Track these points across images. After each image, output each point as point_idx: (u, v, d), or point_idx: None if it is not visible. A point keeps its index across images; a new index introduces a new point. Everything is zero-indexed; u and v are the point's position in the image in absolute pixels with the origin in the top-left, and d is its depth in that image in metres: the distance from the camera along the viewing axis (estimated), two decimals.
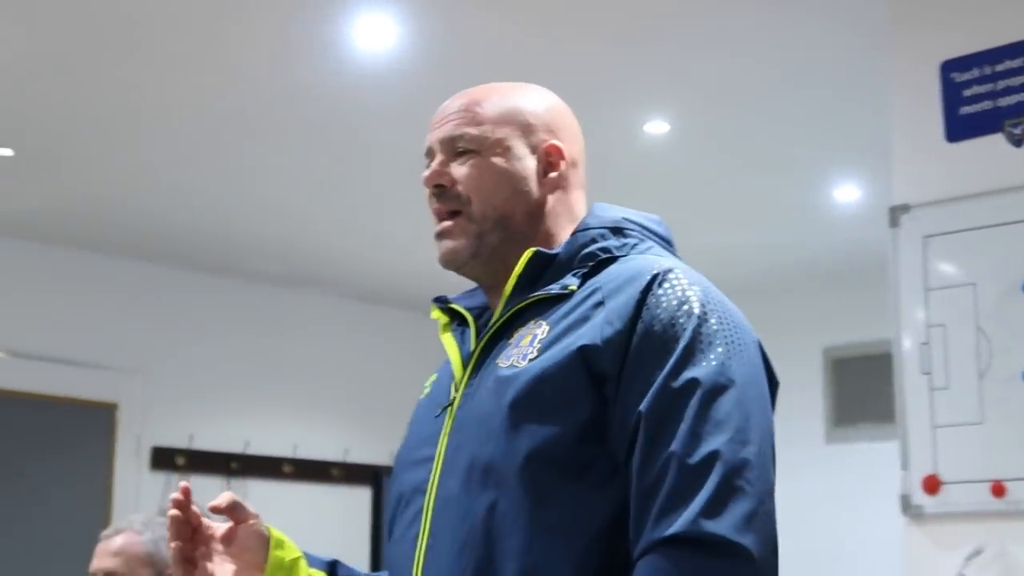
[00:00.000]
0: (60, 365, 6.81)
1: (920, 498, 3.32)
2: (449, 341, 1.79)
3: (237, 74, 4.72)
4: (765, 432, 1.54)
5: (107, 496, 6.87)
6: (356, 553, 7.34)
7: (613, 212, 1.75)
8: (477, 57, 4.53)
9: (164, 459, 7.15)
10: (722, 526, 1.43)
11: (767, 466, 1.52)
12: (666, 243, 1.75)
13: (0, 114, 5.11)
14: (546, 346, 1.59)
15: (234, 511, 1.76)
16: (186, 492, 1.75)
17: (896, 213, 3.45)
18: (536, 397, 1.55)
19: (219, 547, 1.76)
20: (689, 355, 1.52)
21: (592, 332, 1.56)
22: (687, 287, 1.58)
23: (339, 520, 7.63)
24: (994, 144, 3.31)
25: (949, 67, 3.41)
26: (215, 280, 7.47)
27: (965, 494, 3.25)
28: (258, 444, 7.50)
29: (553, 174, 1.76)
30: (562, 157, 1.77)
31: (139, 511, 6.41)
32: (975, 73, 3.37)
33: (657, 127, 5.20)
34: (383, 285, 7.87)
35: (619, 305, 1.57)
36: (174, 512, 1.73)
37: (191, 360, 7.33)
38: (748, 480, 1.47)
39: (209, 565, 1.74)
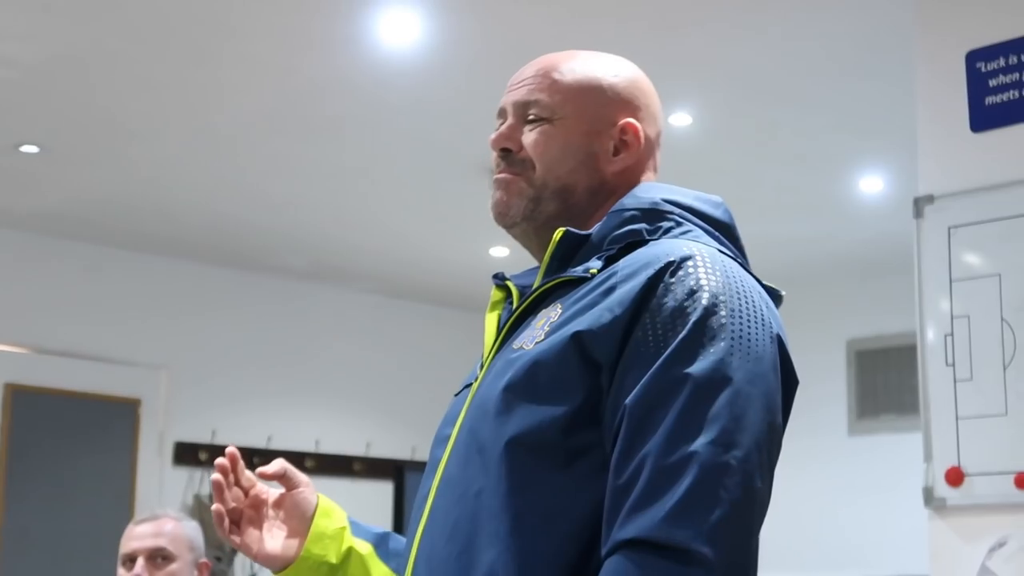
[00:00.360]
0: (84, 361, 6.84)
1: (943, 490, 3.30)
2: (490, 320, 1.72)
3: (262, 70, 4.73)
4: (759, 435, 1.44)
5: (130, 491, 6.90)
6: None
7: (653, 192, 1.67)
8: (502, 52, 4.52)
9: (187, 454, 7.18)
10: (685, 533, 1.36)
11: (752, 472, 1.42)
12: (717, 227, 1.65)
13: (26, 112, 5.13)
14: (553, 330, 1.53)
15: (284, 478, 1.77)
16: (233, 458, 1.76)
17: (921, 204, 3.43)
18: (528, 382, 1.50)
19: (270, 512, 1.79)
20: (686, 349, 1.44)
21: (591, 318, 1.50)
22: (703, 276, 1.49)
23: (361, 514, 7.56)
24: (1020, 134, 3.29)
25: (974, 57, 3.39)
26: (237, 275, 7.49)
27: (988, 486, 3.23)
28: (280, 439, 7.52)
29: (624, 153, 1.69)
30: (637, 137, 1.70)
31: (162, 507, 6.44)
32: (1001, 63, 3.35)
33: (680, 119, 5.19)
34: (405, 280, 7.88)
35: (625, 292, 1.49)
36: (216, 477, 1.74)
37: (214, 355, 7.36)
38: (725, 486, 1.38)
39: (255, 530, 1.77)
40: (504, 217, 1.69)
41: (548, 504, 1.46)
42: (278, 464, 1.77)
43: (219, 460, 1.75)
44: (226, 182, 6.04)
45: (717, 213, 1.68)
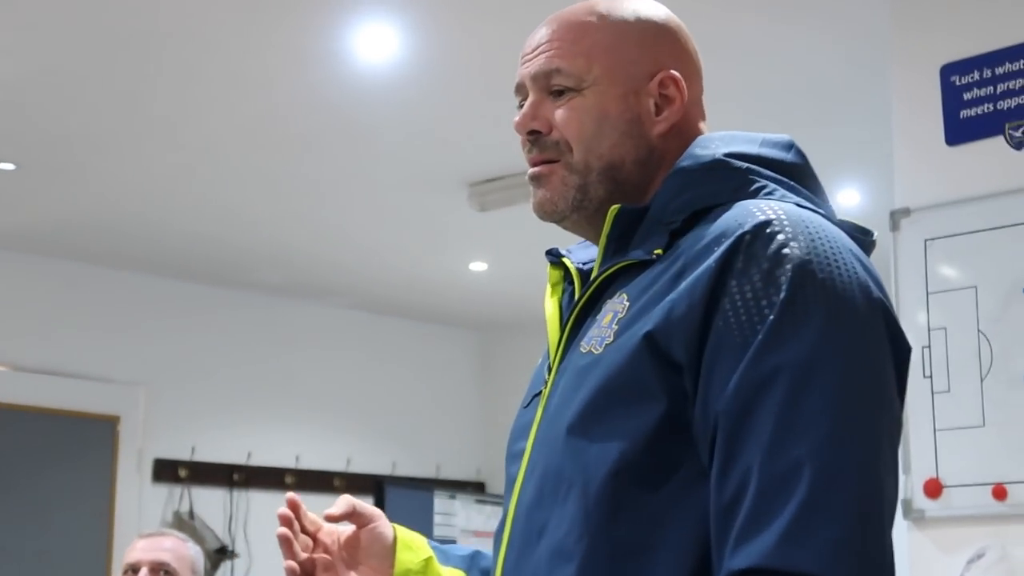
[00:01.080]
0: (62, 378, 6.80)
1: (922, 502, 3.31)
2: (551, 309, 1.53)
3: (239, 85, 4.72)
4: (875, 423, 1.24)
5: (110, 509, 6.86)
6: None
7: (713, 147, 1.43)
8: (480, 67, 4.53)
9: (166, 471, 7.15)
10: (805, 555, 1.16)
11: (873, 468, 1.22)
12: (791, 173, 1.45)
13: (2, 128, 5.11)
14: (623, 328, 1.33)
15: (353, 515, 1.59)
16: (293, 504, 1.58)
17: (897, 217, 3.45)
18: (603, 396, 1.31)
19: (344, 554, 1.60)
20: (777, 334, 1.23)
21: (663, 312, 1.29)
22: (784, 244, 1.27)
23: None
24: (995, 147, 3.31)
25: (949, 70, 3.41)
26: (216, 291, 7.47)
27: (967, 498, 3.24)
28: (260, 455, 7.49)
29: (668, 110, 1.48)
30: (679, 88, 1.49)
31: (141, 525, 6.41)
32: (975, 76, 3.37)
33: None
34: (384, 295, 7.87)
35: (697, 276, 1.29)
36: (282, 531, 1.54)
37: (192, 372, 7.33)
38: (843, 491, 1.19)
39: None
40: (552, 214, 1.49)
41: (642, 530, 1.27)
42: (344, 503, 1.58)
43: (281, 511, 1.56)
44: (204, 198, 6.02)
45: (789, 156, 1.47)
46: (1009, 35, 3.32)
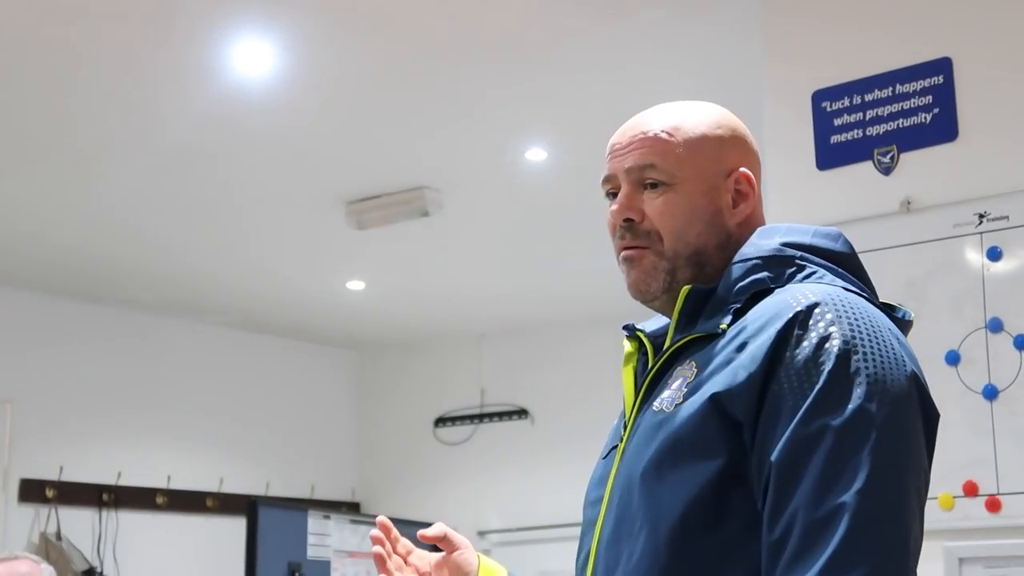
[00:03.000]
0: None
1: None
2: (627, 375, 1.72)
3: (114, 97, 4.65)
4: (907, 479, 1.44)
5: None
6: None
7: (773, 237, 1.65)
8: (358, 85, 4.52)
9: (33, 491, 6.98)
10: None
11: (904, 517, 1.41)
12: (840, 261, 1.65)
13: None
14: (692, 390, 1.53)
15: (444, 540, 1.80)
16: (385, 526, 1.80)
17: None
18: (673, 449, 1.51)
19: (432, 575, 1.83)
20: (824, 399, 1.43)
21: (727, 378, 1.50)
22: (831, 323, 1.48)
23: (214, 551, 7.52)
24: (862, 172, 3.38)
25: (820, 96, 3.48)
26: (84, 308, 7.34)
27: None
28: (130, 475, 7.36)
29: (743, 204, 1.69)
30: (751, 184, 1.70)
31: (7, 546, 6.26)
32: (845, 102, 3.44)
33: (536, 155, 5.23)
34: (260, 313, 7.80)
35: (757, 348, 1.49)
36: (377, 549, 1.78)
37: (60, 389, 7.18)
38: (877, 534, 1.38)
39: None
40: (645, 294, 1.68)
41: (703, 569, 1.47)
42: (439, 527, 1.79)
43: (375, 532, 1.81)
44: (75, 212, 5.91)
45: (837, 246, 1.66)
46: (878, 62, 3.40)
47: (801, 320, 1.49)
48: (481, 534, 8.10)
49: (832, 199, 3.41)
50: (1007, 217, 3.17)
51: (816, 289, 1.54)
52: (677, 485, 1.49)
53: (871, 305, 1.56)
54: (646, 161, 1.68)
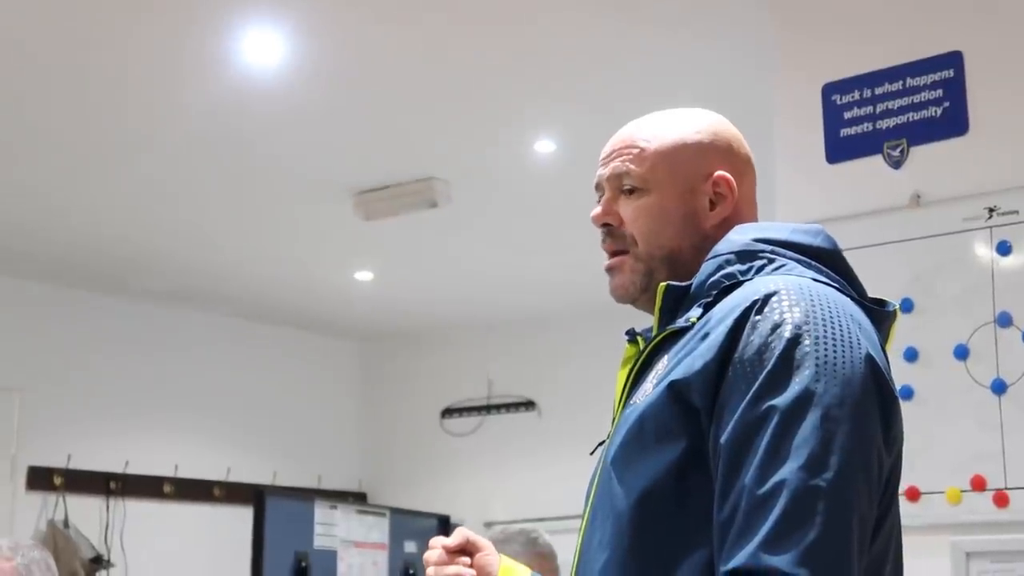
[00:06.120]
0: None
1: None
2: (620, 377, 1.76)
3: (123, 88, 4.65)
4: (853, 455, 1.46)
5: None
6: (237, 574, 7.25)
7: (746, 233, 1.70)
8: (367, 76, 4.51)
9: (41, 479, 7.00)
10: (781, 558, 1.39)
11: (846, 493, 1.44)
12: (817, 256, 1.68)
13: None
14: (658, 382, 1.59)
15: (467, 546, 1.78)
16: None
17: None
18: (638, 435, 1.57)
19: None
20: (771, 382, 1.48)
21: (686, 366, 1.55)
22: (787, 309, 1.52)
23: (221, 540, 7.52)
24: (872, 165, 3.37)
25: (830, 89, 3.47)
26: (94, 297, 7.35)
27: None
28: (138, 464, 7.38)
29: (720, 206, 1.74)
30: (729, 187, 1.74)
31: (14, 533, 6.27)
32: (855, 96, 3.43)
33: (544, 146, 5.23)
34: (268, 304, 7.80)
35: (715, 337, 1.54)
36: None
37: (69, 379, 7.20)
38: (817, 509, 1.41)
39: None
40: (624, 298, 1.77)
41: (669, 551, 1.52)
42: (459, 536, 1.78)
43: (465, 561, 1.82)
44: (86, 203, 5.92)
45: (816, 241, 1.70)
46: (889, 56, 3.39)
47: (758, 308, 1.53)
48: (487, 525, 8.11)
49: (842, 193, 3.41)
50: (1017, 211, 3.16)
51: (780, 280, 1.58)
52: (640, 470, 1.54)
53: (839, 294, 1.60)
54: (623, 169, 1.75)
